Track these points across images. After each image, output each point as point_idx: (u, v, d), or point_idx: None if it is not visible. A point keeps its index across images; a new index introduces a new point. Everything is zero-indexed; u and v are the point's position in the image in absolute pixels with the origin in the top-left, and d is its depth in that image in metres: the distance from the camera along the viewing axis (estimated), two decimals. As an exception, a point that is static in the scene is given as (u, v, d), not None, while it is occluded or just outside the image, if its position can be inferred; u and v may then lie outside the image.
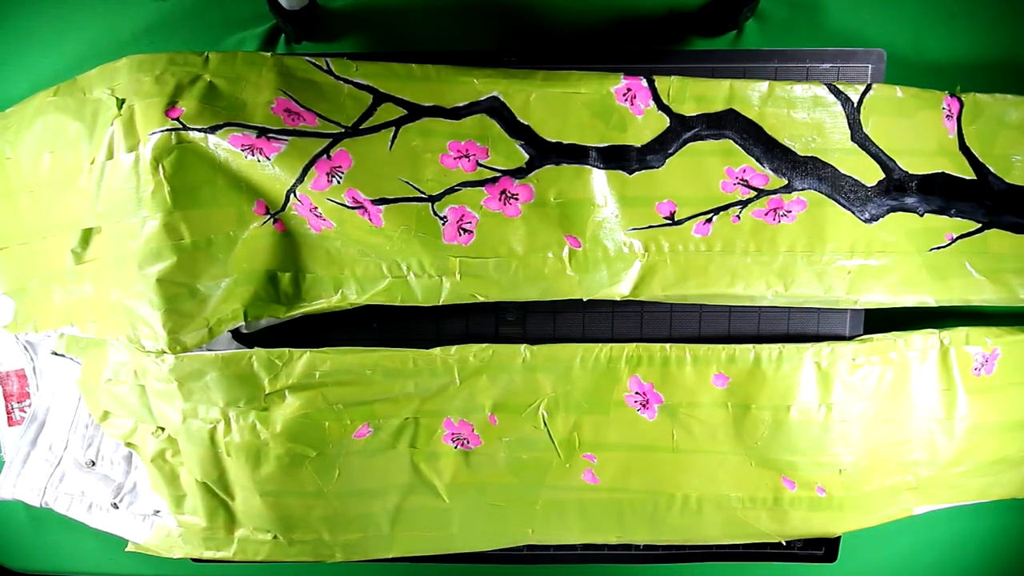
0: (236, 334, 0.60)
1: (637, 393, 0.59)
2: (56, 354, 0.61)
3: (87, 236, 0.54)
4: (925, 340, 0.60)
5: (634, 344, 0.59)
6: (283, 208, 0.54)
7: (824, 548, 0.66)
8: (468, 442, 0.59)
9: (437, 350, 0.58)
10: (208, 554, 0.60)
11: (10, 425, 0.65)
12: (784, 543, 0.63)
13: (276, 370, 0.56)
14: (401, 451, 0.59)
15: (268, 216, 0.55)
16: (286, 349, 0.56)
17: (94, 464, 0.62)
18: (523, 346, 0.59)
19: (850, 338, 0.61)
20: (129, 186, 0.51)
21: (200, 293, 0.53)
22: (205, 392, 0.55)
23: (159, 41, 0.64)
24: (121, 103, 0.52)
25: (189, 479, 0.58)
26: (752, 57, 0.59)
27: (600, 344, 0.59)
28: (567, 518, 0.61)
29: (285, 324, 0.60)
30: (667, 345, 0.59)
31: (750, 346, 0.59)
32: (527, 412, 0.59)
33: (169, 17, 0.64)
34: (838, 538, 0.65)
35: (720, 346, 0.59)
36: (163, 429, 0.57)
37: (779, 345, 0.59)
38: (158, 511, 0.61)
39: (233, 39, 0.64)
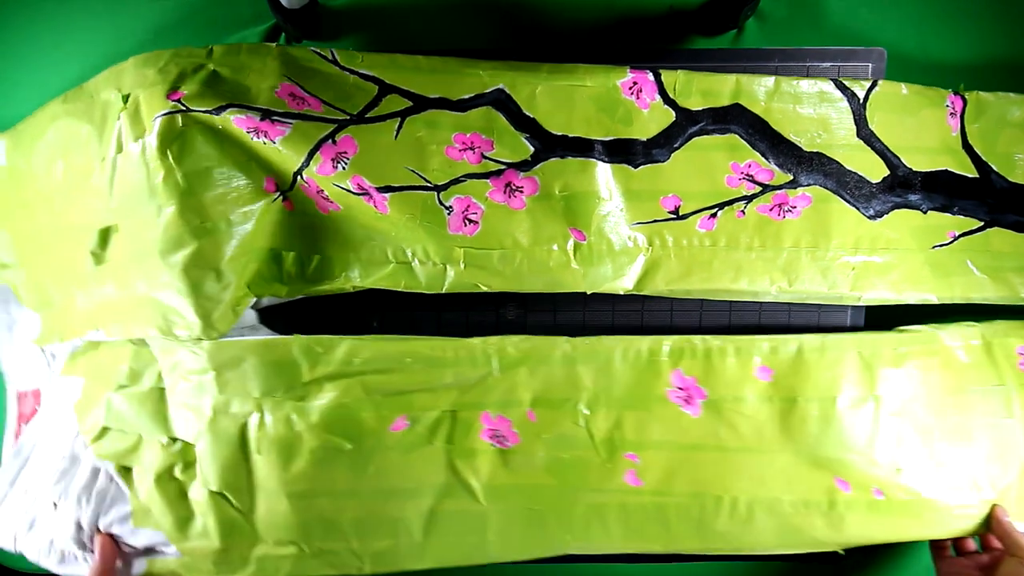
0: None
1: (679, 388, 0.58)
2: (61, 375, 0.58)
3: (105, 235, 0.54)
4: (966, 336, 0.59)
5: (675, 336, 0.58)
6: (291, 187, 0.54)
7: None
8: (506, 439, 0.57)
9: (477, 340, 0.57)
10: None
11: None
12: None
13: (316, 357, 0.54)
14: (437, 448, 0.56)
15: (278, 193, 0.54)
16: (325, 336, 0.55)
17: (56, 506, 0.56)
18: (563, 338, 0.58)
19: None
20: (140, 176, 0.51)
21: (224, 275, 0.52)
22: (242, 381, 0.54)
23: (160, 40, 0.64)
24: (126, 98, 0.52)
25: (202, 493, 0.54)
26: (752, 56, 0.59)
27: (641, 336, 0.58)
28: (608, 524, 0.57)
29: (285, 317, 0.60)
30: (710, 336, 0.58)
31: (793, 336, 0.58)
32: (566, 408, 0.57)
33: (170, 16, 0.64)
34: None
35: (761, 337, 0.58)
36: (175, 440, 0.55)
37: (821, 335, 0.58)
38: (149, 548, 0.56)
39: (233, 38, 0.64)
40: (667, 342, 0.58)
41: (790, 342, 0.57)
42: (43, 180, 0.56)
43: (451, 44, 0.63)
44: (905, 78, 0.58)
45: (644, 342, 0.58)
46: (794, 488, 0.57)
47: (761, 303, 0.61)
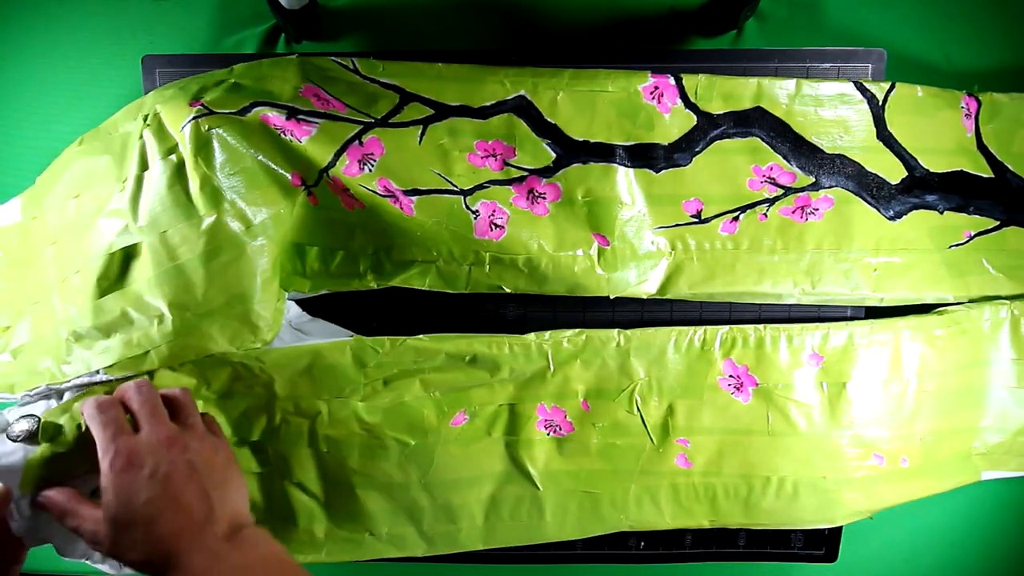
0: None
1: (731, 376, 0.59)
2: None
3: (121, 259, 0.51)
4: (995, 311, 0.61)
5: (728, 326, 0.59)
6: (316, 183, 0.54)
7: (824, 548, 0.66)
8: (560, 429, 0.59)
9: (532, 335, 0.58)
10: (299, 559, 0.58)
11: None
12: (793, 541, 0.64)
13: (377, 358, 0.55)
14: (495, 439, 0.59)
15: (304, 188, 0.53)
16: (384, 337, 0.56)
17: None
18: (616, 331, 0.59)
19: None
20: (173, 189, 0.50)
21: (271, 277, 0.52)
22: (306, 384, 0.54)
23: (159, 41, 0.63)
24: (147, 117, 0.51)
25: (273, 483, 0.57)
26: (752, 57, 0.59)
27: (694, 327, 0.59)
28: (659, 503, 0.61)
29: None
30: (761, 326, 0.59)
31: (844, 324, 0.59)
32: (620, 397, 0.59)
33: (168, 17, 0.63)
34: (839, 537, 0.66)
35: (812, 325, 0.59)
36: (245, 441, 0.55)
37: (869, 322, 0.60)
38: None
39: (233, 39, 0.63)
40: (719, 332, 0.59)
41: (841, 330, 0.59)
42: (53, 222, 0.53)
43: (451, 45, 0.62)
44: (905, 79, 0.58)
45: (697, 332, 0.59)
46: (838, 467, 0.60)
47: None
